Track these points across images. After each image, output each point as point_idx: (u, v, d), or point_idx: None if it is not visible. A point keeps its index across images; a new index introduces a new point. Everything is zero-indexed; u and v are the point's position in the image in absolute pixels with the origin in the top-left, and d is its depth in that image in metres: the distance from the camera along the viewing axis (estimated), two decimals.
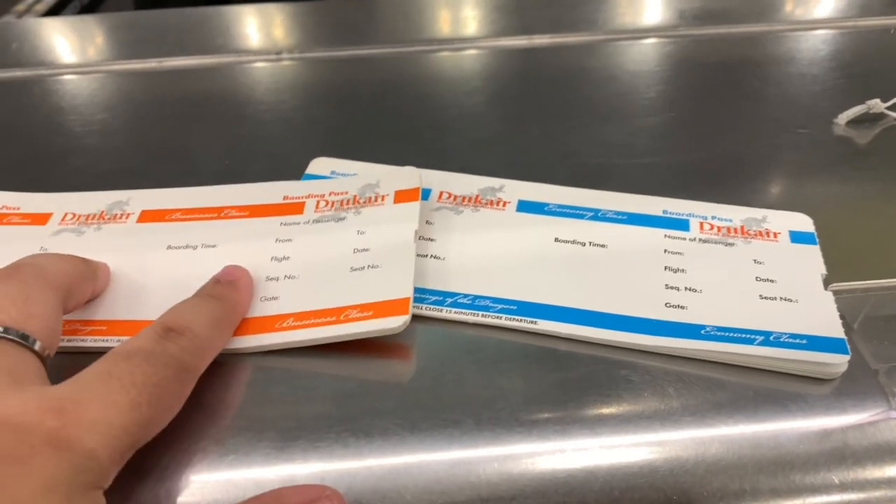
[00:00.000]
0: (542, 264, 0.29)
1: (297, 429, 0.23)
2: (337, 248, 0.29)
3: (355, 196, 0.31)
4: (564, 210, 0.32)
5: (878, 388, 0.24)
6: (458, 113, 0.41)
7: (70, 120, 0.41)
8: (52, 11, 0.65)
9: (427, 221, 0.31)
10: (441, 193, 0.33)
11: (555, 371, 0.25)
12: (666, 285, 0.28)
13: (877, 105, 0.38)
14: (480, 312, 0.27)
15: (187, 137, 0.39)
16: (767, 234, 0.30)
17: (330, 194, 0.31)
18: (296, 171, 0.34)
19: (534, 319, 0.26)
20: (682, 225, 0.31)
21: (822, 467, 0.22)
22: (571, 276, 0.28)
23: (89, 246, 0.29)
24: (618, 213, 0.31)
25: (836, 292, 0.27)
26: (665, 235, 0.30)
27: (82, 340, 0.25)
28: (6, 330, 0.21)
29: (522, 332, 0.26)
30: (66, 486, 0.17)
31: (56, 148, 0.38)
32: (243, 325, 0.26)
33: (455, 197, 0.32)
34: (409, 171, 0.32)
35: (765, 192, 0.34)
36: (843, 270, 0.28)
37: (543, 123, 0.39)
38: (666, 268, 0.29)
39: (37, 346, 0.21)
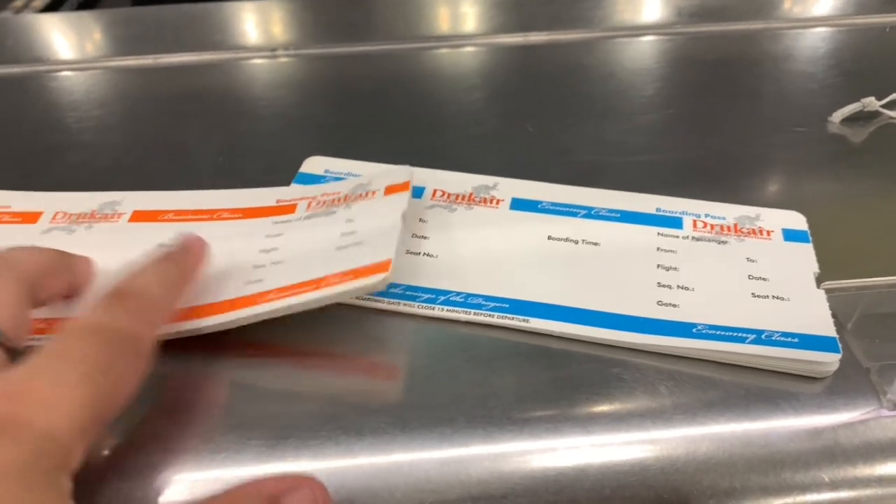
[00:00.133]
0: (534, 262, 0.29)
1: (287, 427, 0.23)
2: (325, 234, 0.29)
3: (347, 195, 0.31)
4: (558, 208, 0.32)
5: (870, 387, 0.24)
6: (454, 110, 0.41)
7: (66, 116, 0.41)
8: (50, 7, 0.65)
9: (420, 219, 0.31)
10: (435, 191, 0.33)
11: (547, 369, 0.25)
12: (658, 283, 0.28)
13: (871, 103, 0.38)
14: (473, 310, 0.27)
15: (182, 134, 0.39)
16: (761, 232, 0.30)
17: (322, 195, 0.31)
18: (290, 169, 0.34)
19: (526, 318, 0.26)
20: (675, 223, 0.31)
21: (813, 466, 0.22)
22: (564, 274, 0.28)
23: (80, 244, 0.29)
24: (611, 210, 0.31)
25: (828, 291, 0.27)
26: (658, 233, 0.30)
27: None
28: None
29: (515, 330, 0.26)
30: (24, 472, 0.17)
31: (52, 144, 0.38)
32: (225, 304, 0.25)
33: (449, 195, 0.32)
34: (401, 168, 0.32)
35: (759, 190, 0.34)
36: (837, 269, 0.28)
37: (540, 120, 0.39)
38: (658, 266, 0.29)
39: None
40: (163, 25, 0.52)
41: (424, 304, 0.27)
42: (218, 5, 0.54)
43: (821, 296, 0.27)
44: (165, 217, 0.31)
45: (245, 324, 0.25)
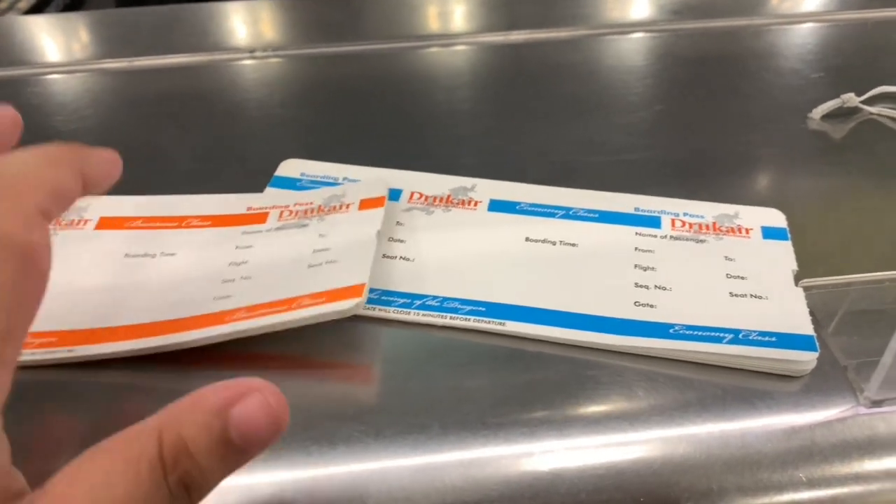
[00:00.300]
0: (511, 264, 0.29)
1: None
2: (296, 249, 0.28)
3: (320, 206, 0.30)
4: (536, 209, 0.31)
5: (847, 385, 0.24)
6: (434, 111, 0.41)
7: (43, 119, 0.41)
8: (35, 9, 0.64)
9: (397, 222, 0.31)
10: (412, 194, 0.32)
11: (523, 373, 0.25)
12: (636, 284, 0.28)
13: (851, 99, 0.38)
14: (449, 315, 0.26)
15: (159, 136, 0.38)
16: (739, 230, 0.30)
17: (295, 205, 0.31)
18: (266, 171, 0.34)
19: (502, 321, 0.26)
20: (653, 222, 0.31)
21: (790, 465, 0.22)
22: (541, 276, 0.28)
23: None
24: (589, 211, 0.31)
25: (806, 288, 0.27)
26: (636, 233, 0.30)
27: (31, 354, 0.24)
28: None
29: (491, 333, 0.26)
30: None
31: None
32: (192, 321, 0.25)
33: (426, 197, 0.32)
34: (377, 182, 0.31)
35: (738, 188, 0.34)
36: (815, 266, 0.28)
37: (522, 120, 0.39)
38: (636, 266, 0.28)
39: None
40: (143, 27, 0.52)
41: (399, 309, 0.27)
42: (198, 6, 0.54)
43: (799, 294, 0.27)
44: (133, 224, 0.30)
45: (211, 342, 0.24)
